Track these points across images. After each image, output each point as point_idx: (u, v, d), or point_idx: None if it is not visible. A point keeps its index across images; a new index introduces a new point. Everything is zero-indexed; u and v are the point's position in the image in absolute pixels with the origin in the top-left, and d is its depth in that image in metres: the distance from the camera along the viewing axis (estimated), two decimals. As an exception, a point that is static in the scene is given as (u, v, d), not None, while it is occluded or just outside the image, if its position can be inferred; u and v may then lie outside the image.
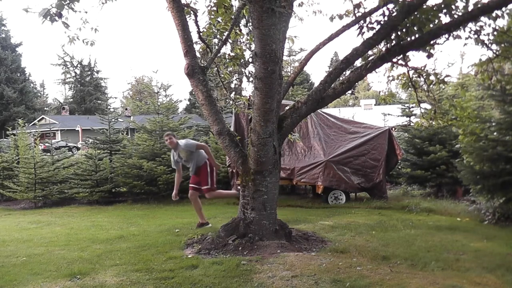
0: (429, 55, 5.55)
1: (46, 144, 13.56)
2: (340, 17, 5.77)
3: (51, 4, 4.12)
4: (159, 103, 11.62)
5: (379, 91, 52.36)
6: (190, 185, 6.96)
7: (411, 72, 6.19)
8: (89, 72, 53.85)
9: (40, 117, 41.19)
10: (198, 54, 5.78)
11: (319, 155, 9.60)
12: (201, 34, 5.82)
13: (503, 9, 5.27)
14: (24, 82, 41.75)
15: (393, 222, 6.99)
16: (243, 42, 6.45)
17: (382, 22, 5.26)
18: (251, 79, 5.86)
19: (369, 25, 5.38)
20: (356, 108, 40.31)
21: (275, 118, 5.29)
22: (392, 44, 5.47)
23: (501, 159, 7.08)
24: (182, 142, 6.87)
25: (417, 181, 10.96)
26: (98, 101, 50.01)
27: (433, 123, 7.06)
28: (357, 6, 5.47)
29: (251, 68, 6.00)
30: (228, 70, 7.04)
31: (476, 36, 5.53)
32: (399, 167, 11.72)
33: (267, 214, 5.36)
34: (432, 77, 6.06)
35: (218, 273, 4.24)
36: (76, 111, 49.56)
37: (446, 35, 5.25)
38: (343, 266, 4.40)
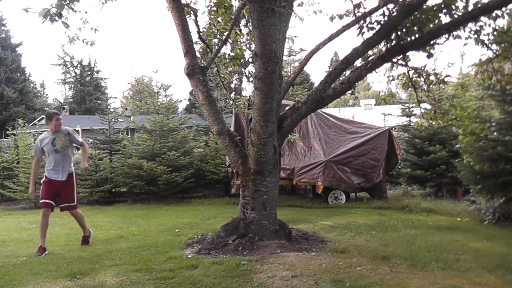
0: (429, 55, 5.56)
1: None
2: (340, 17, 5.78)
3: (51, 4, 4.12)
4: (159, 103, 11.63)
5: (379, 91, 52.32)
6: (46, 200, 5.50)
7: (411, 72, 6.20)
8: (89, 72, 53.77)
9: (40, 117, 41.06)
10: (198, 54, 5.78)
11: (319, 155, 9.60)
12: (201, 34, 5.82)
13: (503, 9, 5.29)
14: (24, 82, 41.69)
15: (393, 222, 7.00)
16: (243, 42, 6.45)
17: (382, 22, 5.27)
18: (251, 79, 5.86)
19: (369, 25, 5.38)
20: (356, 108, 40.25)
21: (275, 118, 5.30)
22: (392, 44, 5.48)
23: (501, 159, 7.09)
24: (66, 128, 5.69)
25: (417, 181, 10.97)
26: (98, 101, 49.93)
27: (433, 123, 7.07)
28: (357, 6, 5.47)
29: (251, 68, 6.01)
30: (228, 70, 7.03)
31: (476, 36, 5.54)
32: (399, 167, 11.73)
33: (267, 214, 5.36)
34: (432, 77, 6.07)
35: (218, 273, 4.24)
36: (76, 111, 49.50)
37: (446, 35, 5.26)
38: (343, 266, 4.40)
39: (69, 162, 5.63)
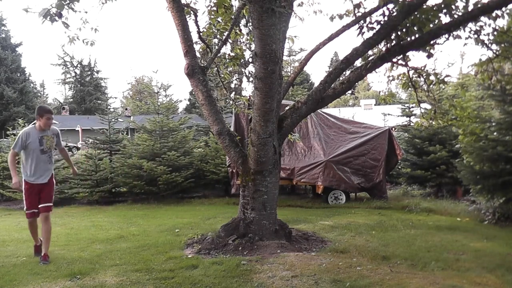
0: (429, 55, 5.56)
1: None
2: (340, 17, 5.78)
3: (51, 4, 4.12)
4: (159, 103, 11.63)
5: (379, 91, 52.31)
6: (31, 210, 5.08)
7: (411, 72, 6.20)
8: (89, 72, 53.81)
9: (40, 117, 41.10)
10: (198, 54, 5.78)
11: (319, 155, 9.61)
12: (201, 34, 5.83)
13: (503, 9, 5.29)
14: (24, 82, 41.66)
15: (393, 222, 7.00)
16: (243, 42, 6.45)
17: (382, 22, 5.27)
18: (251, 79, 5.86)
19: (369, 25, 5.39)
20: (356, 108, 40.26)
21: (275, 118, 5.30)
22: (392, 44, 5.48)
23: (501, 159, 7.09)
24: (56, 128, 5.33)
25: (417, 181, 10.97)
26: (98, 101, 49.97)
27: (433, 123, 7.07)
28: (357, 6, 5.47)
29: (251, 68, 6.01)
30: (228, 70, 7.03)
31: (476, 36, 5.54)
32: (399, 167, 11.72)
33: (267, 214, 5.36)
34: (432, 77, 6.07)
35: (218, 273, 4.24)
36: (76, 111, 49.53)
37: (446, 35, 5.26)
38: (343, 266, 4.40)
39: (52, 164, 5.23)
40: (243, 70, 6.54)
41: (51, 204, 5.15)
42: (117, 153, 11.64)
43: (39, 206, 5.08)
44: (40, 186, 5.08)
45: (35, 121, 5.18)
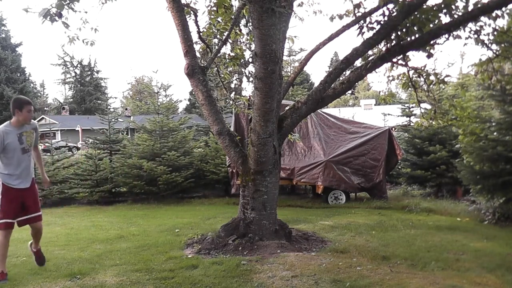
0: (429, 55, 5.56)
1: (46, 144, 13.54)
2: (340, 17, 5.78)
3: (51, 4, 4.12)
4: (159, 103, 11.63)
5: (379, 91, 52.34)
6: (8, 220, 4.26)
7: (411, 72, 6.20)
8: (89, 72, 53.89)
9: (40, 117, 41.25)
10: (198, 54, 5.78)
11: (319, 155, 9.61)
12: (201, 34, 5.82)
13: (503, 9, 5.29)
14: (24, 82, 41.66)
15: (393, 222, 6.99)
16: (243, 42, 6.45)
17: (382, 22, 5.27)
18: (251, 79, 5.86)
19: (369, 25, 5.39)
20: (356, 108, 40.31)
21: (275, 118, 5.30)
22: (392, 44, 5.48)
23: (501, 159, 7.09)
24: (34, 121, 4.56)
25: (417, 181, 10.97)
26: (98, 101, 50.04)
27: (433, 123, 7.07)
28: (357, 6, 5.47)
29: (251, 68, 6.01)
30: (228, 70, 7.03)
31: (476, 36, 5.54)
32: (399, 167, 11.73)
33: (267, 214, 5.36)
34: (432, 77, 6.08)
35: (218, 273, 4.24)
36: (76, 111, 49.58)
37: (446, 35, 5.26)
38: (343, 266, 4.40)
39: (33, 165, 4.53)
40: (243, 70, 6.54)
41: (40, 213, 4.56)
42: (117, 153, 11.65)
43: (27, 217, 4.43)
44: (22, 192, 4.36)
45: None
